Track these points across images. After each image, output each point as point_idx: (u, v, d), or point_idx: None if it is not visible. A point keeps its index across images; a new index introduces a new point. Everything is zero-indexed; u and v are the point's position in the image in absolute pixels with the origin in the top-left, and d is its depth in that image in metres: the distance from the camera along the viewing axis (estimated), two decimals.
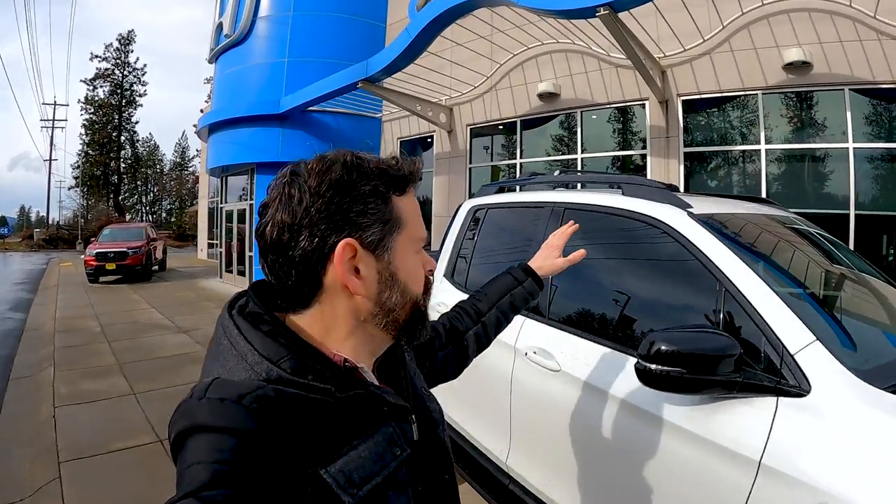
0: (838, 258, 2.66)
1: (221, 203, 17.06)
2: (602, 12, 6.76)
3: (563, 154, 10.81)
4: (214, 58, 16.14)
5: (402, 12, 12.95)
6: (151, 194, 68.41)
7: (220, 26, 15.44)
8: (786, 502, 1.46)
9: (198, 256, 27.90)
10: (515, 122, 11.30)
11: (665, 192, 2.35)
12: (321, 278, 0.81)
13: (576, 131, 10.48)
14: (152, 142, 66.66)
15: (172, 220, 59.48)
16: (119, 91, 51.41)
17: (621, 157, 10.08)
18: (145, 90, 53.68)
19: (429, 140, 13.48)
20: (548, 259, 1.66)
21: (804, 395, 1.55)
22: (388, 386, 0.92)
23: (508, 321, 1.57)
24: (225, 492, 0.63)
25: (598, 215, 2.53)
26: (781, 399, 1.58)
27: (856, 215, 7.68)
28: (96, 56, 50.81)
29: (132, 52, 52.45)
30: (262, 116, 13.35)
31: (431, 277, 0.93)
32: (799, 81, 8.05)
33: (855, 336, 1.93)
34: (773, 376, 1.63)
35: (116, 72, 51.36)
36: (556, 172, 3.28)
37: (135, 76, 52.33)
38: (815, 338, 1.62)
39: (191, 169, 65.06)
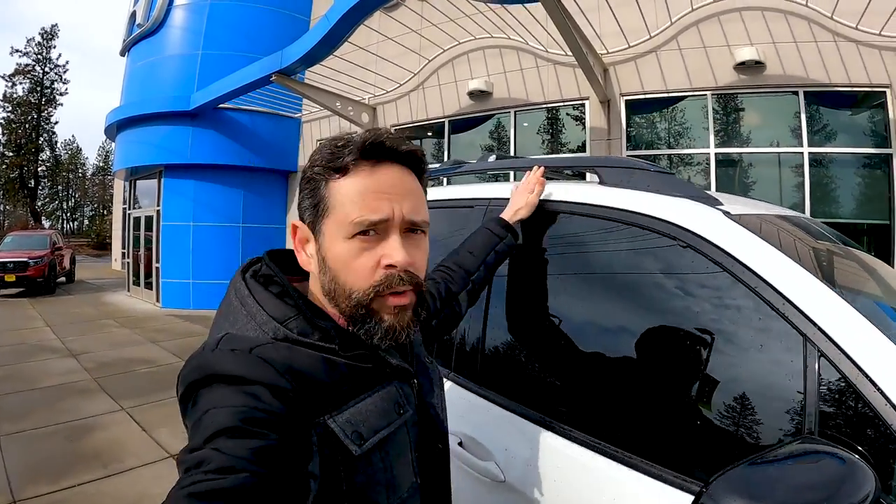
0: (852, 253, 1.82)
1: (130, 209, 15.89)
2: None
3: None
4: (126, 49, 15.27)
5: (327, 5, 12.52)
6: (73, 200, 65.47)
7: (133, 15, 14.70)
8: None
9: (112, 267, 26.64)
10: (444, 122, 10.68)
11: (673, 181, 1.47)
12: None
13: (509, 133, 9.94)
14: (75, 144, 64.05)
15: (93, 227, 56.71)
16: (39, 89, 48.20)
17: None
18: (67, 88, 51.17)
19: None
20: (520, 200, 1.60)
21: None
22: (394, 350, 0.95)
23: (492, 276, 1.54)
24: (243, 433, 0.65)
25: (566, 218, 1.60)
26: None
27: None
28: (17, 51, 47.75)
29: (55, 47, 50.11)
30: (171, 114, 12.50)
31: (392, 272, 0.82)
32: (751, 82, 7.83)
33: None
34: None
35: (37, 68, 48.18)
36: (492, 158, 2.14)
37: (56, 73, 49.21)
38: None
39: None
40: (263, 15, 13.21)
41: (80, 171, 65.04)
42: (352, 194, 0.81)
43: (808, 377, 1.02)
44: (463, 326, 1.66)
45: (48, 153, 52.22)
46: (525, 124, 9.83)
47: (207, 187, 12.90)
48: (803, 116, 7.54)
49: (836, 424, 0.99)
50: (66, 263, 18.42)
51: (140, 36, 14.05)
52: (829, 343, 1.01)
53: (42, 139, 49.64)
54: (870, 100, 7.37)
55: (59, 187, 61.14)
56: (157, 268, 13.49)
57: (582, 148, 9.04)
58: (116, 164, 14.84)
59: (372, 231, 0.81)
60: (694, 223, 1.29)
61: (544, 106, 9.47)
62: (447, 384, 1.65)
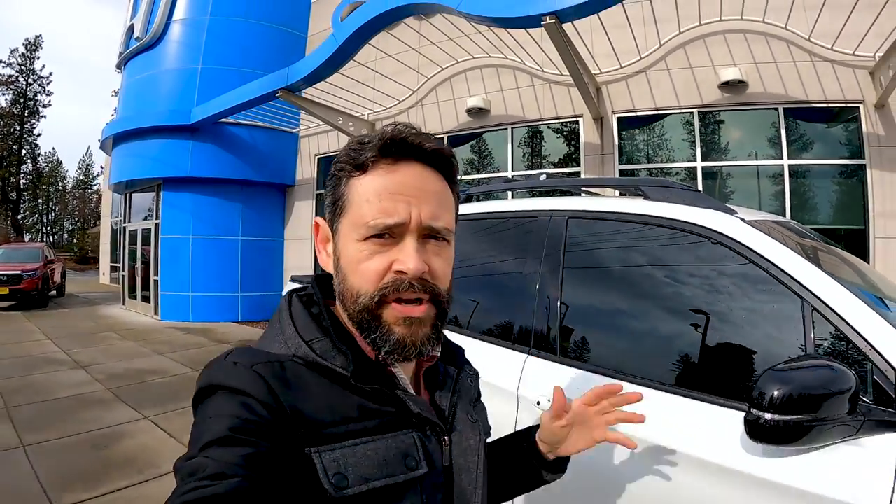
0: (836, 252, 2.37)
1: (125, 222, 15.92)
2: (548, 21, 6.63)
3: (492, 171, 10.61)
4: (123, 63, 15.24)
5: (324, 23, 12.68)
6: (53, 213, 64.55)
7: (131, 28, 14.59)
8: None
9: (100, 281, 26.38)
10: (442, 138, 10.97)
11: (702, 196, 1.99)
12: None
13: (506, 148, 10.28)
14: (55, 157, 63.09)
15: (74, 241, 55.84)
16: (22, 100, 47.81)
17: (554, 174, 9.98)
18: (50, 101, 50.30)
19: None
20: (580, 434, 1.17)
21: None
22: (430, 400, 0.91)
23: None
24: (234, 441, 0.66)
25: (621, 225, 2.08)
26: None
27: None
28: (0, 61, 47.69)
29: (38, 58, 49.61)
30: (171, 127, 12.55)
31: (401, 277, 0.77)
32: (734, 100, 8.29)
33: None
34: (891, 409, 1.39)
35: (21, 79, 47.84)
36: (543, 177, 2.65)
37: (40, 85, 48.94)
38: None
39: (95, 187, 61.98)
40: (262, 31, 13.37)
41: (59, 184, 64.22)
42: (368, 193, 0.78)
43: (805, 322, 1.56)
44: (541, 314, 2.12)
45: (30, 165, 51.74)
46: (521, 140, 10.14)
47: (206, 201, 13.00)
48: (783, 131, 8.01)
49: (825, 347, 1.54)
50: (57, 277, 18.26)
51: (138, 49, 14.02)
52: (818, 301, 1.54)
53: (25, 151, 49.24)
54: (844, 114, 7.80)
55: (39, 200, 60.27)
56: (155, 280, 13.54)
57: (576, 162, 9.44)
58: (113, 178, 14.86)
59: (387, 234, 0.78)
60: (722, 226, 1.81)
61: (540, 123, 9.84)
62: (530, 359, 2.06)
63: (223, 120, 12.19)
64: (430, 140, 0.81)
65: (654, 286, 1.97)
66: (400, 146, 0.79)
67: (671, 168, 8.89)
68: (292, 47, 13.51)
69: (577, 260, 2.10)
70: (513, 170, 10.13)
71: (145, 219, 14.70)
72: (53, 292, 17.95)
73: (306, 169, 13.71)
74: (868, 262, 7.29)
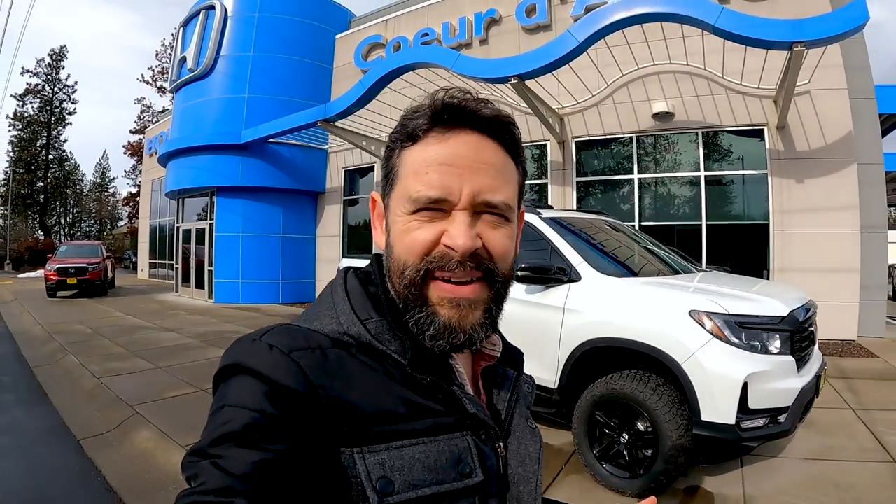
0: (622, 232, 5.08)
1: (178, 223, 18.01)
2: (513, 81, 8.89)
3: None
4: (175, 89, 17.22)
5: (346, 57, 14.96)
6: (71, 215, 64.75)
7: (183, 60, 16.61)
8: (574, 321, 4.00)
9: (138, 276, 27.67)
10: None
11: (531, 206, 4.65)
12: None
13: None
14: (72, 160, 62.95)
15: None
16: (49, 108, 49.30)
17: (527, 185, 11.97)
18: (75, 108, 51.92)
19: (370, 170, 15.15)
20: None
21: (578, 281, 4.11)
22: (488, 403, 0.80)
23: None
24: (254, 442, 0.58)
25: None
26: (571, 284, 4.13)
27: (707, 226, 9.95)
28: (27, 70, 48.69)
29: (63, 67, 50.21)
30: (223, 146, 14.63)
31: (450, 254, 0.67)
32: (664, 126, 10.33)
33: (602, 263, 4.36)
34: (568, 276, 4.13)
35: (47, 88, 49.30)
36: None
37: (65, 93, 50.39)
38: (583, 260, 4.09)
39: (111, 190, 62.91)
40: (297, 65, 15.43)
41: (77, 187, 64.29)
42: (416, 165, 0.69)
43: (550, 254, 4.43)
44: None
45: (57, 170, 52.63)
46: None
47: (253, 205, 15.21)
48: (701, 150, 9.99)
49: (553, 261, 4.30)
50: (110, 271, 19.85)
51: (191, 79, 16.16)
52: (554, 244, 4.44)
53: (52, 156, 50.30)
54: (752, 134, 9.62)
55: (57, 202, 59.82)
56: (209, 270, 15.70)
57: (545, 175, 11.61)
58: (169, 186, 16.94)
59: (436, 209, 0.68)
60: (532, 220, 4.63)
61: None
62: None
63: (268, 140, 14.24)
64: (488, 106, 0.72)
65: None
66: (453, 113, 0.69)
67: (616, 179, 10.98)
68: (321, 78, 15.66)
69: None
70: None
71: (199, 220, 16.85)
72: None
73: (334, 179, 15.74)
74: (770, 250, 9.35)
